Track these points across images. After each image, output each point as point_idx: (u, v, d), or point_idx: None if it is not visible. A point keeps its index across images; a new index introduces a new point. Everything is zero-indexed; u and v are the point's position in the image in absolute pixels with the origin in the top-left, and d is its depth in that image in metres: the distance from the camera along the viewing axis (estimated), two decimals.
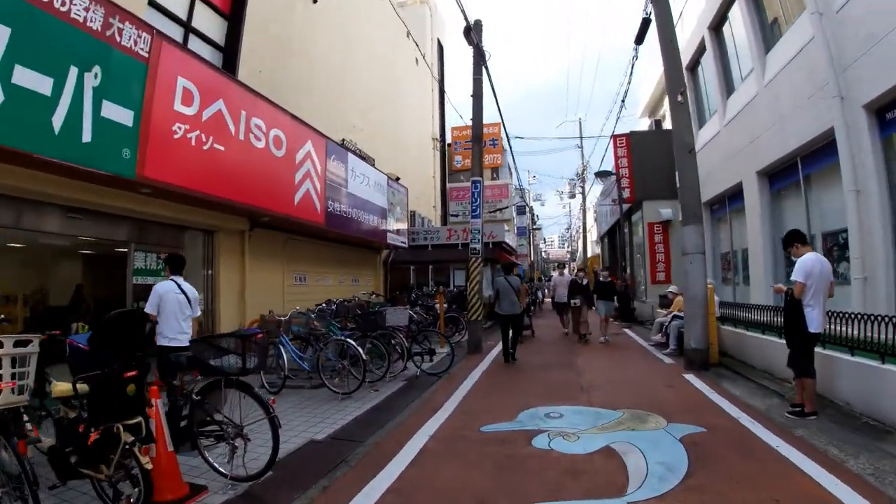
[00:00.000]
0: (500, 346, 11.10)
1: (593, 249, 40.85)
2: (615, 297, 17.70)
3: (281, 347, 7.58)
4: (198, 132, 8.04)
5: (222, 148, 8.64)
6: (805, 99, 9.72)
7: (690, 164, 9.79)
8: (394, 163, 19.77)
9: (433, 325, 12.22)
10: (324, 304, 9.83)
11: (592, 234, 40.74)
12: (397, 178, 18.91)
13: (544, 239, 61.89)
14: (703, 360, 9.14)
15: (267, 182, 10.10)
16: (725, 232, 15.42)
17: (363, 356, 6.94)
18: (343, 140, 14.71)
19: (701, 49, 16.02)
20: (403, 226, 18.83)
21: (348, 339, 7.18)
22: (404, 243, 18.76)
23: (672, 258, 18.10)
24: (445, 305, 12.70)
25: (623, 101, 17.24)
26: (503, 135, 29.81)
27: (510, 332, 10.55)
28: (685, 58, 17.01)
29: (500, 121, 19.54)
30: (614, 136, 19.00)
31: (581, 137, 34.68)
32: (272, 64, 12.56)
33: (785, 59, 10.67)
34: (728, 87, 14.43)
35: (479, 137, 12.12)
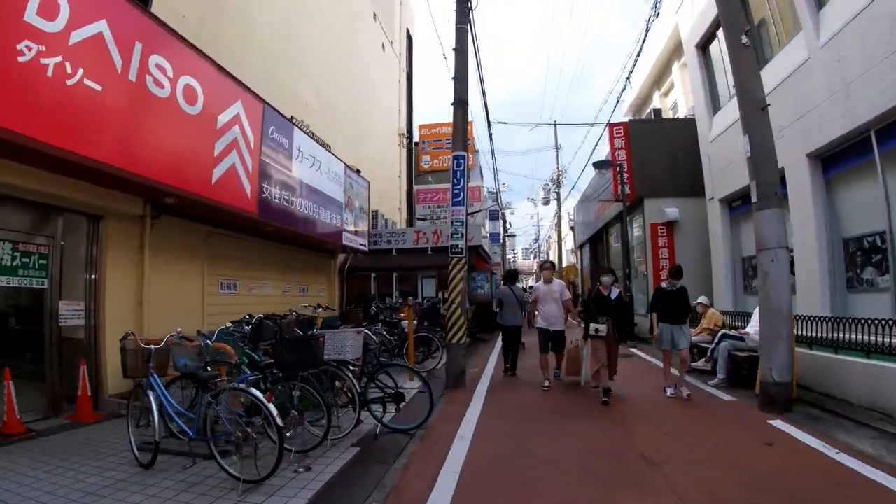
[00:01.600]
0: (488, 373, 9.87)
1: (568, 259, 38.42)
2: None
3: (150, 395, 4.55)
4: (59, 58, 5.36)
5: (98, 87, 5.87)
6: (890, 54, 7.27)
7: (763, 125, 7.17)
8: (354, 154, 16.92)
9: (399, 347, 9.30)
10: (229, 325, 6.57)
11: (567, 244, 38.31)
12: (358, 171, 16.02)
13: (513, 250, 59.33)
14: (787, 398, 6.47)
15: (171, 147, 7.27)
16: (751, 233, 12.86)
17: (274, 417, 3.95)
18: (292, 118, 11.82)
19: (717, 22, 13.58)
20: (363, 226, 15.90)
21: (249, 389, 4.17)
22: (364, 246, 15.84)
23: (680, 262, 15.48)
24: (415, 322, 9.80)
25: (629, 78, 14.65)
26: (487, 131, 27.16)
27: (511, 343, 10.14)
28: (696, 36, 14.61)
29: (484, 103, 16.77)
30: (610, 125, 16.43)
31: (556, 125, 32.21)
32: (202, 13, 9.70)
33: (854, 8, 8.20)
34: (757, 58, 11.92)
35: (464, 101, 9.24)
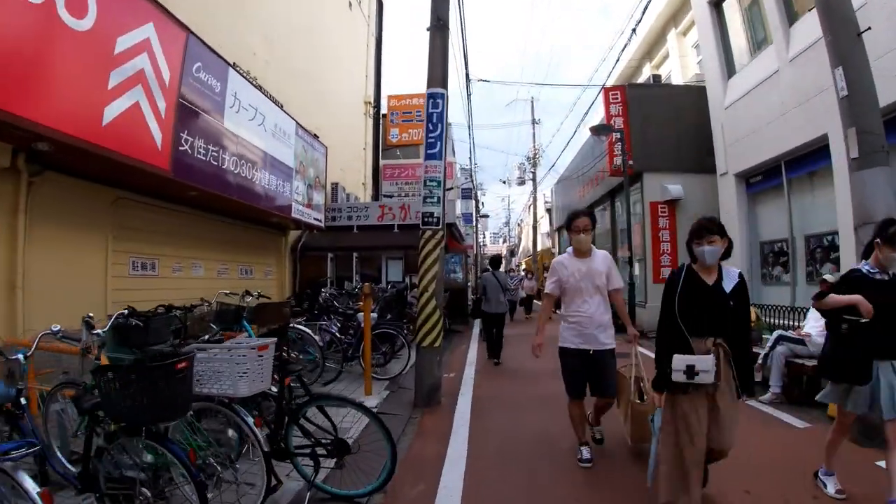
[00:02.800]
0: (468, 380, 7.92)
1: (543, 243, 36.54)
2: None
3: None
4: None
5: None
6: None
7: (859, 55, 5.14)
8: (312, 119, 14.62)
9: (356, 347, 7.16)
10: (89, 317, 4.19)
11: (542, 227, 36.41)
12: (315, 135, 13.76)
13: (484, 233, 57.24)
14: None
15: (42, 73, 5.11)
16: (775, 212, 11.04)
17: None
18: (234, 64, 9.53)
19: None
20: (319, 199, 13.65)
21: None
22: (319, 221, 13.59)
23: (681, 249, 13.64)
24: (374, 315, 7.66)
25: (634, 29, 12.60)
26: (465, 91, 24.79)
27: (494, 331, 9.84)
28: None
29: (464, 52, 14.56)
30: (606, 89, 14.39)
31: (538, 86, 30.15)
32: None
33: None
34: (789, 13, 10.02)
35: (443, 23, 6.93)
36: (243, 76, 9.72)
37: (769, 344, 6.79)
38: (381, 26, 26.93)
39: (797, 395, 6.40)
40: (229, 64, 9.05)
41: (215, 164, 8.26)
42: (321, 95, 17.00)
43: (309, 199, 12.97)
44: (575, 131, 22.17)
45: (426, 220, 6.50)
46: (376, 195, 23.84)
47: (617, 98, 14.04)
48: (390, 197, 23.61)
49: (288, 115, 11.60)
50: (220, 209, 10.01)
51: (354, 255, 14.46)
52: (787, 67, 9.80)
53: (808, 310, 8.45)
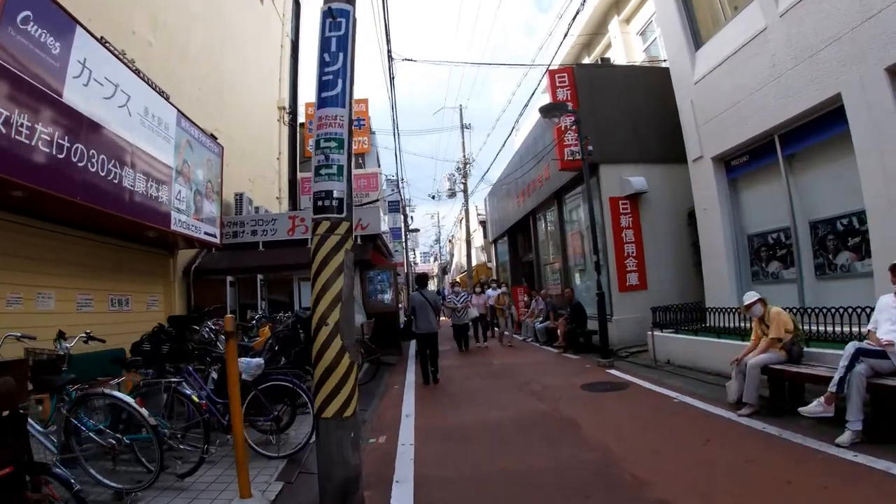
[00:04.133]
0: (406, 453, 5.45)
1: (478, 257, 34.55)
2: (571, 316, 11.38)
3: None
4: None
5: None
6: None
7: None
8: (212, 119, 12.23)
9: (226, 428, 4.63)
10: None
11: (475, 241, 34.44)
12: (212, 135, 11.24)
13: (414, 251, 54.73)
14: None
15: None
16: (767, 198, 9.25)
17: None
18: (103, 39, 6.96)
19: None
20: (214, 209, 11.00)
21: None
22: (213, 237, 10.90)
23: (647, 250, 11.76)
24: (260, 359, 5.16)
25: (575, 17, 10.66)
26: (388, 72, 22.66)
27: (428, 352, 9.41)
28: None
29: (386, 27, 12.46)
30: (551, 71, 12.41)
31: (475, 68, 28.19)
32: None
33: None
34: None
35: None
36: (107, 47, 7.19)
37: (844, 362, 4.70)
38: (297, 29, 24.45)
39: (888, 430, 4.38)
40: (77, 21, 6.45)
41: (48, 150, 5.68)
42: (223, 94, 14.41)
43: (197, 209, 10.31)
44: (511, 133, 20.18)
45: (320, 203, 4.00)
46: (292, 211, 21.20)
47: (564, 81, 12.08)
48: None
49: (171, 104, 9.07)
50: (72, 220, 7.43)
51: (259, 277, 11.78)
52: (779, 23, 8.02)
53: (825, 310, 6.60)
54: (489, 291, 16.17)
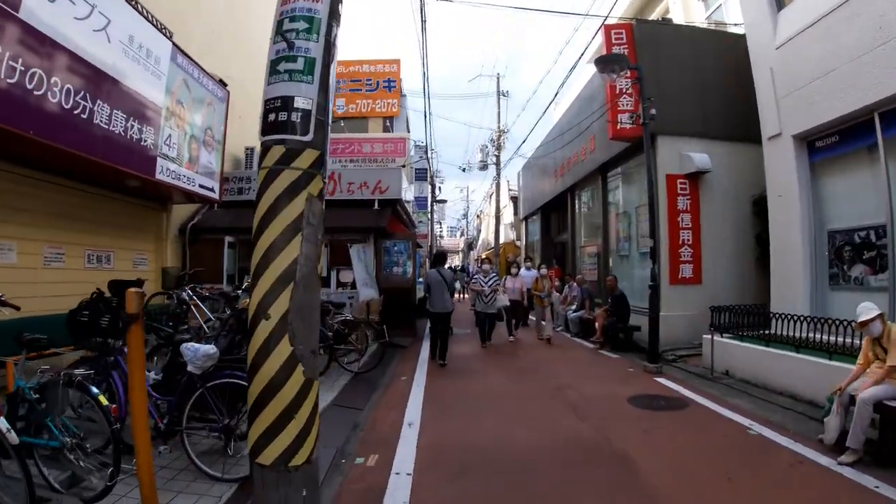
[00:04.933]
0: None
1: (506, 235, 32.99)
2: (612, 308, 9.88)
3: None
4: None
5: None
6: None
7: None
8: (226, 67, 11.12)
9: (176, 417, 3.35)
10: None
11: (505, 217, 32.86)
12: (221, 81, 10.02)
13: (440, 223, 53.19)
14: None
15: None
16: (857, 188, 7.65)
17: None
18: None
19: None
20: (212, 160, 9.78)
21: None
22: (212, 191, 9.68)
23: (704, 238, 10.21)
24: (211, 347, 3.85)
25: None
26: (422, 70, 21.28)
27: (440, 329, 9.09)
28: None
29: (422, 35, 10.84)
30: (607, 26, 10.76)
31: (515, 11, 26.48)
32: None
33: None
34: None
35: None
36: None
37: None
38: None
39: None
40: None
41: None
42: (238, 41, 13.31)
43: (192, 158, 9.05)
44: (551, 102, 18.46)
45: (273, 117, 2.54)
46: None
47: (622, 38, 10.42)
48: None
49: (166, 37, 7.81)
50: (36, 161, 6.33)
51: None
52: None
53: None
54: (523, 272, 13.15)
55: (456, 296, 18.95)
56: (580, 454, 4.59)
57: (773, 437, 5.01)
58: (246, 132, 13.01)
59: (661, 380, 7.53)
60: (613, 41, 10.46)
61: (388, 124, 24.40)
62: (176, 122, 8.55)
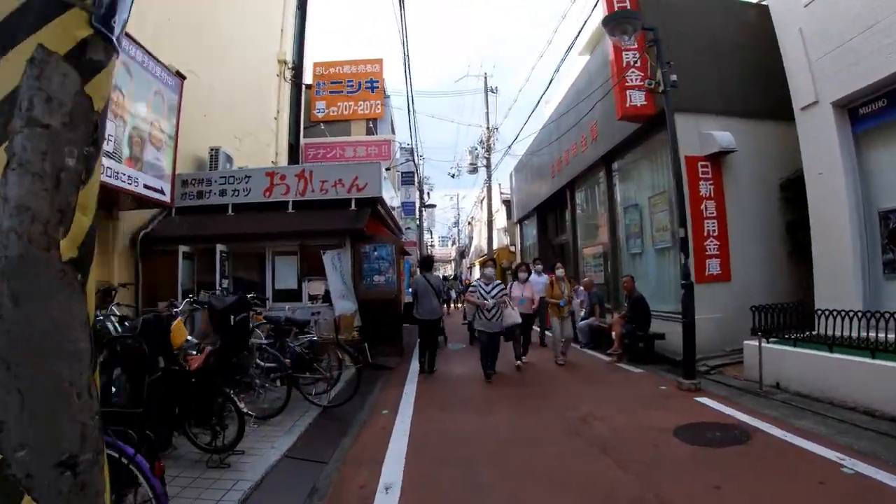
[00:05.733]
0: None
1: (500, 240, 31.61)
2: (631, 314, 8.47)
3: None
4: None
5: None
6: None
7: None
8: (188, 60, 10.05)
9: None
10: None
11: (497, 222, 31.49)
12: (178, 73, 8.75)
13: (430, 231, 51.70)
14: None
15: None
16: None
17: None
18: None
19: None
20: (161, 158, 8.44)
21: None
22: (161, 194, 8.35)
23: (734, 227, 8.95)
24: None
25: None
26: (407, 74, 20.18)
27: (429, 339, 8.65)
28: None
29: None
30: None
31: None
32: None
33: None
34: None
35: None
36: None
37: None
38: None
39: None
40: None
41: None
42: (203, 33, 12.09)
43: (134, 155, 7.72)
44: (545, 92, 17.12)
45: None
46: None
47: (625, 2, 9.17)
48: None
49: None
50: None
51: (220, 249, 9.07)
52: None
53: None
54: (534, 277, 10.33)
55: (445, 307, 17.56)
56: None
57: (875, 473, 3.72)
58: (211, 132, 11.77)
59: (704, 400, 6.16)
60: (616, 4, 9.21)
61: (372, 126, 23.13)
62: (113, 110, 7.25)
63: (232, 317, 3.99)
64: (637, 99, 8.90)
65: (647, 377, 7.69)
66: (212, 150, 11.52)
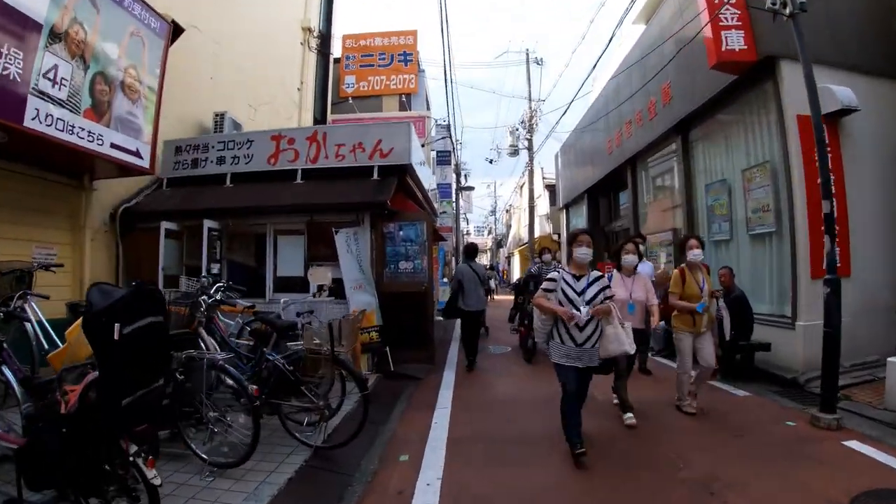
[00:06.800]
0: None
1: (542, 227, 29.56)
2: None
3: None
4: None
5: None
6: None
7: None
8: (190, 11, 8.80)
9: None
10: None
11: (539, 209, 29.50)
12: (174, 24, 7.19)
13: (466, 218, 49.53)
14: None
15: None
16: None
17: None
18: None
19: None
20: (139, 114, 6.88)
21: None
22: (136, 155, 6.78)
23: (855, 209, 6.97)
24: None
25: None
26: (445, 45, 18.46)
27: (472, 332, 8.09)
28: None
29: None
30: None
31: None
32: None
33: None
34: None
35: None
36: None
37: None
38: None
39: None
40: None
41: None
42: None
43: (97, 106, 6.18)
44: (606, 48, 14.74)
45: None
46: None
47: None
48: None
49: None
50: None
51: (209, 226, 7.44)
52: None
53: None
54: (641, 267, 6.17)
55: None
56: None
57: None
58: (220, 96, 10.47)
59: (855, 445, 4.26)
60: None
61: (405, 102, 21.40)
62: (70, 48, 5.70)
63: (118, 326, 2.20)
64: (735, 42, 6.94)
65: (759, 404, 5.68)
66: (217, 115, 10.00)
